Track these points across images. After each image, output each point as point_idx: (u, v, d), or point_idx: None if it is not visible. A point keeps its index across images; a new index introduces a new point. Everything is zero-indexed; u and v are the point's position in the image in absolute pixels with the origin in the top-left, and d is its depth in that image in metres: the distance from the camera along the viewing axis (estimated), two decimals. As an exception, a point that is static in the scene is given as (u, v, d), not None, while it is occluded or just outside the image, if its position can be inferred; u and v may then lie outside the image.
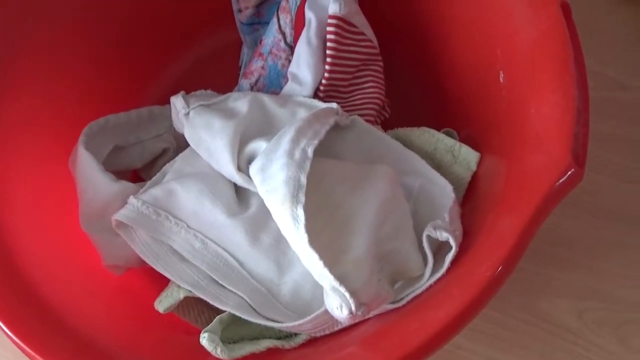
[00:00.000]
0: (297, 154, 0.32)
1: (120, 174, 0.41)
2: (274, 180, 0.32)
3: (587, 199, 0.45)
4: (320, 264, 0.29)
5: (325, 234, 0.32)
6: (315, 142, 0.34)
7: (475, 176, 0.37)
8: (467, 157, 0.37)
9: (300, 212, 0.30)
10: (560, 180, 0.28)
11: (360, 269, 0.30)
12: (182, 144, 0.43)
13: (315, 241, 0.29)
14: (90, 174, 0.39)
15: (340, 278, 0.29)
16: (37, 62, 0.40)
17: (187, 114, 0.40)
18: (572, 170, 0.28)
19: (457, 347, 0.41)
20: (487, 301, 0.28)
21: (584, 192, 0.45)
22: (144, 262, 0.37)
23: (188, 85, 0.43)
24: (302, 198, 0.31)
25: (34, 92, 0.40)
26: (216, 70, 0.49)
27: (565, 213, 0.44)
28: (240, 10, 0.47)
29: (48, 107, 0.41)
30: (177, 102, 0.41)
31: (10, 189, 0.37)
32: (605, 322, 0.41)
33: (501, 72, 0.36)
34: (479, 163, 0.37)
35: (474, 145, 0.38)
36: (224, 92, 0.42)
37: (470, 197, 0.37)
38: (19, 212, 0.37)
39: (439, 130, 0.39)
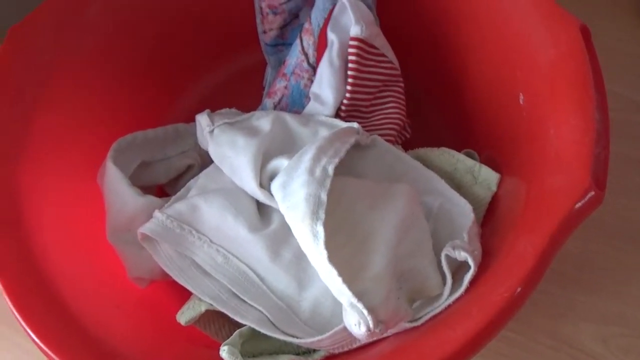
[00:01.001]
0: (318, 171, 0.33)
1: (146, 189, 0.42)
2: (295, 197, 0.33)
3: (611, 222, 0.44)
4: (339, 280, 0.29)
5: (344, 251, 0.32)
6: (336, 160, 0.34)
7: (495, 197, 0.37)
8: (487, 178, 0.37)
9: (320, 228, 0.31)
10: (580, 203, 0.28)
11: (378, 286, 0.30)
12: (206, 161, 0.44)
13: (334, 257, 0.30)
14: (117, 188, 0.40)
15: (359, 295, 0.29)
16: (69, 80, 0.42)
17: (212, 131, 0.41)
18: (592, 192, 0.28)
19: (478, 369, 0.41)
20: (505, 322, 0.28)
21: (608, 215, 0.44)
22: (167, 275, 0.37)
23: (213, 104, 0.44)
24: (322, 215, 0.31)
25: (65, 109, 0.42)
26: (241, 90, 0.50)
27: (589, 237, 0.44)
28: (265, 32, 0.48)
29: (78, 123, 0.43)
30: (202, 119, 0.42)
31: (41, 201, 0.38)
32: (630, 349, 0.41)
33: (521, 94, 0.36)
34: (500, 184, 0.37)
35: (495, 166, 0.38)
36: (248, 111, 0.43)
37: (490, 218, 0.37)
38: (49, 224, 0.38)
39: (459, 151, 0.39)
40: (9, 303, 0.32)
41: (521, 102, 0.36)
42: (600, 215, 0.44)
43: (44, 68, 0.40)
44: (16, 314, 0.31)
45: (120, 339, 0.35)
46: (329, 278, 0.30)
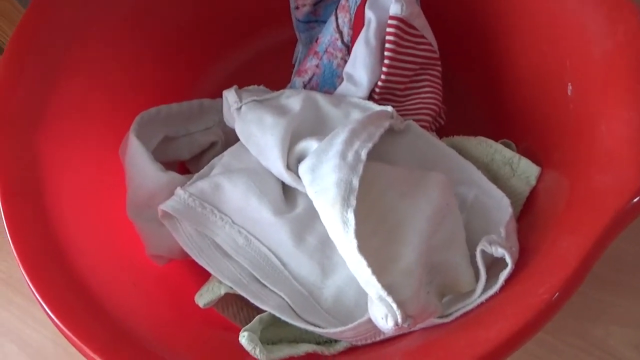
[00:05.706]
0: (350, 156, 0.32)
1: (168, 165, 0.41)
2: (325, 181, 0.31)
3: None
4: (369, 271, 0.28)
5: (374, 241, 0.31)
6: (370, 145, 0.33)
7: (534, 192, 0.35)
8: (526, 170, 0.35)
9: (351, 216, 0.29)
10: (631, 203, 0.26)
11: (409, 280, 0.29)
12: (230, 139, 0.43)
13: (364, 247, 0.29)
14: (139, 162, 0.39)
15: (388, 288, 0.28)
16: (94, 48, 0.41)
17: (239, 108, 0.40)
18: (643, 194, 0.26)
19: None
20: (542, 325, 0.26)
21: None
22: (186, 254, 0.36)
23: (240, 80, 0.43)
24: (354, 202, 0.30)
25: (89, 78, 0.41)
26: (269, 67, 0.49)
27: (631, 238, 0.42)
28: (297, 7, 0.47)
29: (102, 93, 0.42)
30: (230, 95, 0.41)
31: (62, 172, 0.37)
32: (662, 356, 0.39)
33: (570, 84, 0.34)
34: (539, 178, 0.35)
35: (533, 159, 0.36)
36: (276, 89, 0.42)
37: (527, 213, 0.35)
38: (68, 196, 0.37)
39: (496, 140, 0.38)
40: (25, 276, 0.31)
41: (569, 93, 0.34)
42: (640, 216, 0.42)
43: (68, 36, 0.39)
44: (31, 286, 0.31)
45: (136, 316, 0.34)
46: (357, 268, 0.29)
